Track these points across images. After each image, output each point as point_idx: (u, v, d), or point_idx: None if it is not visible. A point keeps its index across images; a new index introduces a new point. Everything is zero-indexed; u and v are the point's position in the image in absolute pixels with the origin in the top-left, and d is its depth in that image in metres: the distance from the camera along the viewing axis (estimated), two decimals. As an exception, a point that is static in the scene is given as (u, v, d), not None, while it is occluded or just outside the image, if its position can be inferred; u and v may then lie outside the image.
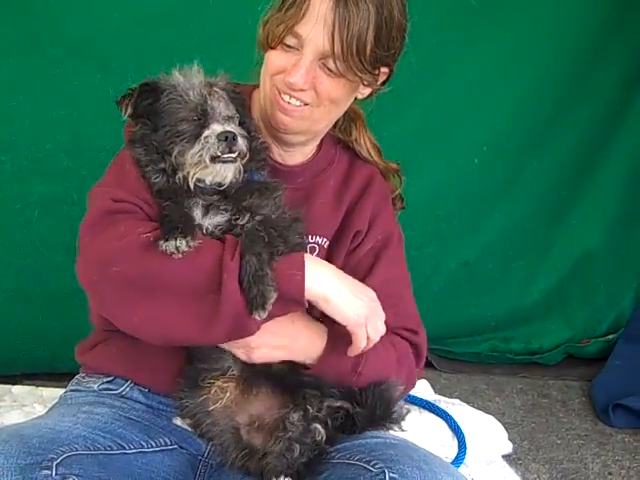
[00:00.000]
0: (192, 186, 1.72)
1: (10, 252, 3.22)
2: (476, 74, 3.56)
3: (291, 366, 1.80)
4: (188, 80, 1.77)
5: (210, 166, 1.70)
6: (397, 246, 2.06)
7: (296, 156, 2.03)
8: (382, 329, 1.78)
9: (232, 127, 1.72)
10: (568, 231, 3.93)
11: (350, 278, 1.79)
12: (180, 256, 1.62)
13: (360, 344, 1.73)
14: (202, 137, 1.70)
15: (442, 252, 3.81)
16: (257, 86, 1.98)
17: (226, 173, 1.72)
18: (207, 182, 1.73)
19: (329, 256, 1.97)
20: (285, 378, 1.79)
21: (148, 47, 3.06)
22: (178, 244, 1.62)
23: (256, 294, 1.60)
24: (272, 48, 1.85)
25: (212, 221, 1.74)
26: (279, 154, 2.01)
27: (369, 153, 2.09)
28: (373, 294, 1.80)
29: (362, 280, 1.92)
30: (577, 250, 3.96)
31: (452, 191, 3.70)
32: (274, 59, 1.86)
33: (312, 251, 1.97)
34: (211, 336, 1.65)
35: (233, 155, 1.71)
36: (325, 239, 2.00)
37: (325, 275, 1.71)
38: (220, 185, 1.74)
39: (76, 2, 3.05)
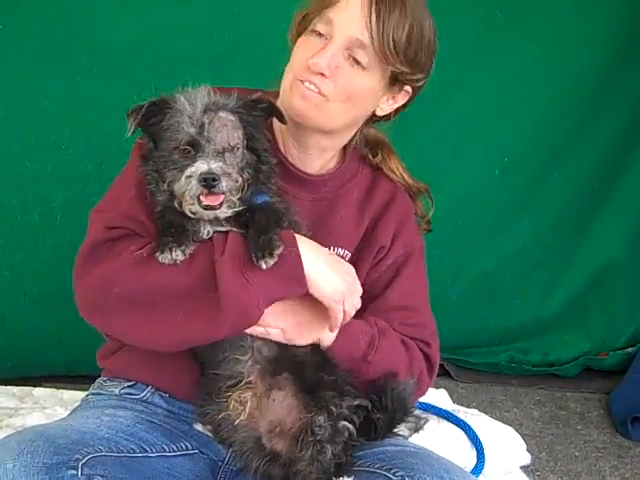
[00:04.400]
0: (188, 214, 1.69)
1: (31, 256, 3.24)
2: (498, 85, 3.56)
3: (308, 360, 1.79)
4: (191, 104, 1.67)
5: (196, 204, 1.66)
6: (418, 259, 2.06)
7: (314, 161, 2.00)
8: (358, 304, 1.80)
9: (219, 165, 1.64)
10: (588, 243, 3.90)
11: (327, 253, 1.80)
12: (176, 264, 1.65)
13: (337, 318, 1.74)
14: (184, 175, 1.64)
15: (462, 262, 3.80)
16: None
17: (213, 212, 1.69)
18: (198, 216, 1.70)
19: None
20: (301, 377, 1.77)
21: (171, 54, 3.09)
22: (174, 256, 1.64)
23: (263, 243, 1.61)
24: (301, 33, 1.86)
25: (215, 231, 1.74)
26: (299, 158, 1.97)
27: (402, 177, 2.08)
28: (351, 269, 1.81)
29: (381, 293, 1.96)
30: (597, 263, 3.93)
31: (473, 201, 3.69)
32: (302, 47, 1.86)
33: None
34: (218, 332, 1.66)
35: (216, 203, 1.65)
36: (347, 251, 1.99)
37: (305, 253, 1.69)
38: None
39: (100, 10, 3.07)
